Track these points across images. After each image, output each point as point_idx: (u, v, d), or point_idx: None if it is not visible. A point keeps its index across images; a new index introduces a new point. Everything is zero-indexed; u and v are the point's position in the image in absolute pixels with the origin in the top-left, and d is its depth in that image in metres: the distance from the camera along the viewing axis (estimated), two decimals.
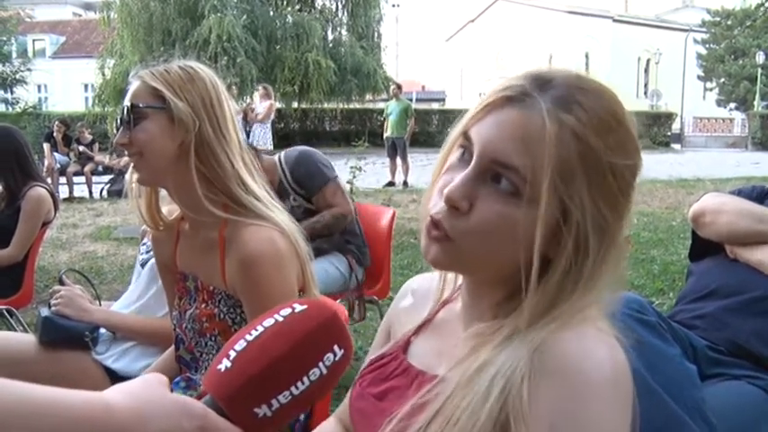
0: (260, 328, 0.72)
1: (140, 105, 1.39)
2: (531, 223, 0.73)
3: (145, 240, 2.16)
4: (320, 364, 0.72)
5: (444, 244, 0.77)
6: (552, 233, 0.74)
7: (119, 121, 1.42)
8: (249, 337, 0.72)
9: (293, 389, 0.70)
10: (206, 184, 1.40)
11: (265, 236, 1.37)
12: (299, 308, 0.74)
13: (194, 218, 1.45)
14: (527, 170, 0.72)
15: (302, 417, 1.52)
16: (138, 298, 2.05)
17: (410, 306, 1.03)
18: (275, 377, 0.70)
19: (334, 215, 3.11)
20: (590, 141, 0.72)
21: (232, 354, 0.71)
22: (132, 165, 1.44)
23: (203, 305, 1.46)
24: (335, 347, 0.73)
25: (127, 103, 1.40)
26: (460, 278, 0.92)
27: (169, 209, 1.62)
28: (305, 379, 0.71)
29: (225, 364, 0.71)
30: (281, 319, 0.73)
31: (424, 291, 1.02)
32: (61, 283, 2.10)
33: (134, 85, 1.42)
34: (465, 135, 0.79)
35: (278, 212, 1.45)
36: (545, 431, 0.68)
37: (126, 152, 1.43)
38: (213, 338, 1.46)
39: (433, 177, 0.85)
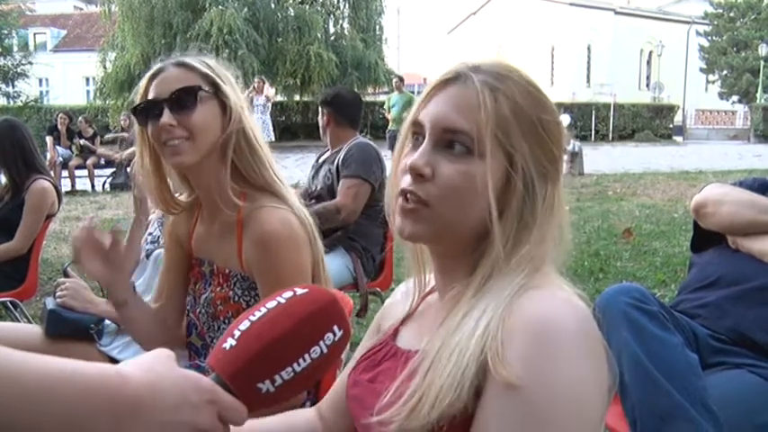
0: (263, 310, 0.76)
1: (198, 87, 1.37)
2: (486, 174, 0.84)
3: (150, 230, 2.17)
4: (321, 343, 0.75)
5: (421, 212, 0.86)
6: (505, 181, 0.86)
7: (161, 103, 1.36)
8: (253, 318, 0.75)
9: (295, 365, 0.73)
10: (232, 174, 1.42)
11: (281, 216, 1.40)
12: (300, 291, 0.78)
13: (215, 205, 1.46)
14: (473, 130, 0.84)
15: (308, 404, 1.53)
16: (146, 290, 2.06)
17: (396, 303, 1.12)
18: (278, 354, 0.73)
19: (325, 205, 3.12)
20: (518, 100, 0.86)
21: (237, 333, 0.74)
22: (171, 148, 1.37)
23: (218, 288, 1.49)
24: (335, 328, 0.77)
25: (176, 85, 1.36)
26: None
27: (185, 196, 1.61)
28: (306, 356, 0.74)
29: (230, 342, 0.74)
30: (283, 301, 0.77)
31: (406, 291, 1.10)
32: (65, 275, 2.11)
33: (174, 71, 1.39)
34: (415, 123, 0.91)
35: (297, 201, 1.48)
36: (514, 385, 0.72)
37: (165, 135, 1.37)
38: (226, 321, 1.47)
39: (392, 167, 0.95)
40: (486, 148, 0.84)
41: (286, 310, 0.75)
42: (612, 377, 0.79)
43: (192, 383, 0.69)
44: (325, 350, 0.75)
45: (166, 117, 1.35)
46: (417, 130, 0.90)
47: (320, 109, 3.46)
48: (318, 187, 3.30)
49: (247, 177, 1.44)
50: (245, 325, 0.74)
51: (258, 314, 0.75)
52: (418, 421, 0.76)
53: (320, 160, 3.49)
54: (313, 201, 3.21)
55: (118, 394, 0.62)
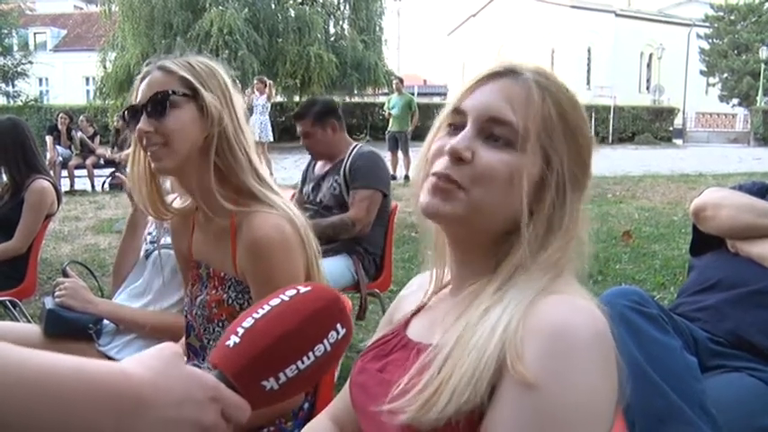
0: (266, 307, 0.75)
1: (172, 92, 1.37)
2: (524, 168, 0.85)
3: (150, 230, 2.17)
4: (325, 341, 0.75)
5: (454, 193, 0.86)
6: (540, 181, 0.87)
7: (141, 109, 1.37)
8: (257, 315, 0.74)
9: (299, 363, 0.73)
10: (218, 179, 1.41)
11: (274, 222, 1.39)
12: (303, 289, 0.78)
13: (207, 209, 1.46)
14: (518, 124, 0.85)
15: (306, 405, 1.53)
16: (146, 291, 2.06)
17: (410, 295, 1.11)
18: (283, 352, 0.72)
19: (342, 218, 3.12)
20: (565, 107, 0.88)
21: (240, 330, 0.73)
22: (150, 154, 1.39)
23: (213, 291, 1.49)
24: (338, 326, 0.77)
25: (154, 89, 1.37)
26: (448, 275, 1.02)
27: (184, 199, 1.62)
28: (310, 354, 0.74)
29: (233, 339, 0.73)
30: (286, 298, 0.76)
31: (421, 283, 1.10)
32: (65, 274, 2.11)
33: (156, 75, 1.40)
34: (458, 111, 0.91)
35: (288, 203, 1.47)
36: (531, 384, 0.73)
37: (145, 141, 1.38)
38: (221, 324, 1.47)
39: (422, 153, 0.95)
40: (529, 144, 0.85)
41: (290, 308, 0.75)
42: (622, 390, 0.80)
43: (195, 380, 0.68)
44: (328, 348, 0.75)
45: (143, 123, 1.37)
46: (456, 119, 0.91)
47: (318, 125, 3.26)
48: (326, 199, 3.27)
49: (233, 181, 1.42)
50: (248, 322, 0.74)
51: (262, 312, 0.75)
52: (433, 414, 0.77)
53: (316, 172, 3.41)
54: (319, 210, 3.19)
55: (121, 391, 0.62)
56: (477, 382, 0.76)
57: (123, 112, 1.43)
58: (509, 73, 0.89)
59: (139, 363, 0.67)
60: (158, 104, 1.36)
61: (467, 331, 0.81)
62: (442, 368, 0.80)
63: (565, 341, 0.75)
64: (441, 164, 0.87)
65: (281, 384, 0.72)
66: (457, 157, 0.86)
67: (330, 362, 0.76)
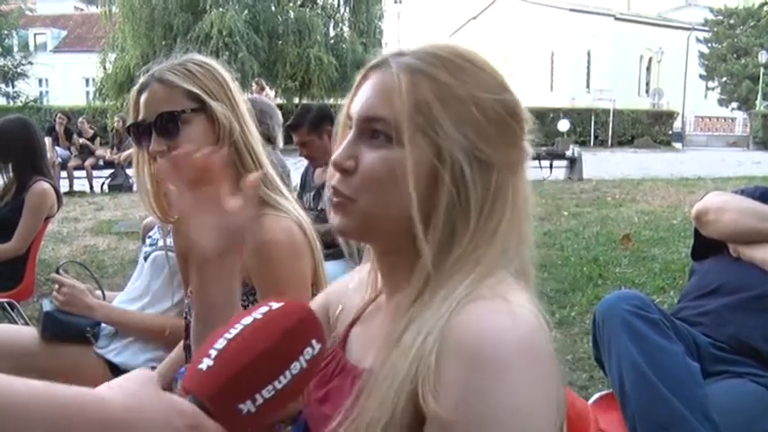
0: (239, 327, 0.72)
1: (180, 111, 1.34)
2: (405, 162, 0.77)
3: (150, 233, 2.16)
4: (300, 358, 0.72)
5: (348, 207, 0.82)
6: (432, 172, 0.78)
7: (149, 127, 1.35)
8: (229, 336, 0.71)
9: (276, 383, 0.70)
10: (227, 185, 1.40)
11: (283, 225, 1.39)
12: (275, 305, 0.75)
13: None
14: (391, 117, 0.78)
15: None
16: (144, 293, 2.04)
17: (350, 292, 1.03)
18: (258, 372, 0.69)
19: None
20: (442, 78, 0.78)
21: (213, 352, 0.70)
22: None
23: None
24: (313, 342, 0.74)
25: (160, 107, 1.35)
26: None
27: None
28: (287, 373, 0.71)
29: (206, 363, 0.70)
30: (259, 316, 0.73)
31: (362, 279, 1.01)
32: (58, 274, 2.09)
33: (157, 89, 1.37)
34: (347, 116, 0.86)
35: (297, 207, 1.46)
36: (450, 410, 0.66)
37: (158, 157, 1.36)
38: None
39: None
40: (404, 135, 0.77)
41: (263, 326, 0.72)
42: (562, 387, 0.73)
43: (173, 407, 0.66)
44: (304, 365, 0.72)
45: (155, 144, 1.35)
46: (349, 124, 0.85)
47: (314, 133, 3.25)
48: (327, 207, 3.25)
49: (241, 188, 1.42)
50: (220, 344, 0.71)
51: (234, 332, 0.71)
52: None
53: (315, 179, 3.38)
54: (320, 217, 3.18)
55: (96, 419, 0.60)
56: (391, 418, 0.70)
57: (128, 128, 1.42)
58: (381, 64, 0.82)
59: (116, 388, 0.65)
60: (169, 124, 1.34)
61: (387, 355, 0.75)
62: (367, 401, 0.74)
63: (482, 360, 0.66)
64: (333, 177, 0.84)
65: (258, 406, 0.69)
66: (341, 170, 0.82)
67: (306, 379, 0.74)
